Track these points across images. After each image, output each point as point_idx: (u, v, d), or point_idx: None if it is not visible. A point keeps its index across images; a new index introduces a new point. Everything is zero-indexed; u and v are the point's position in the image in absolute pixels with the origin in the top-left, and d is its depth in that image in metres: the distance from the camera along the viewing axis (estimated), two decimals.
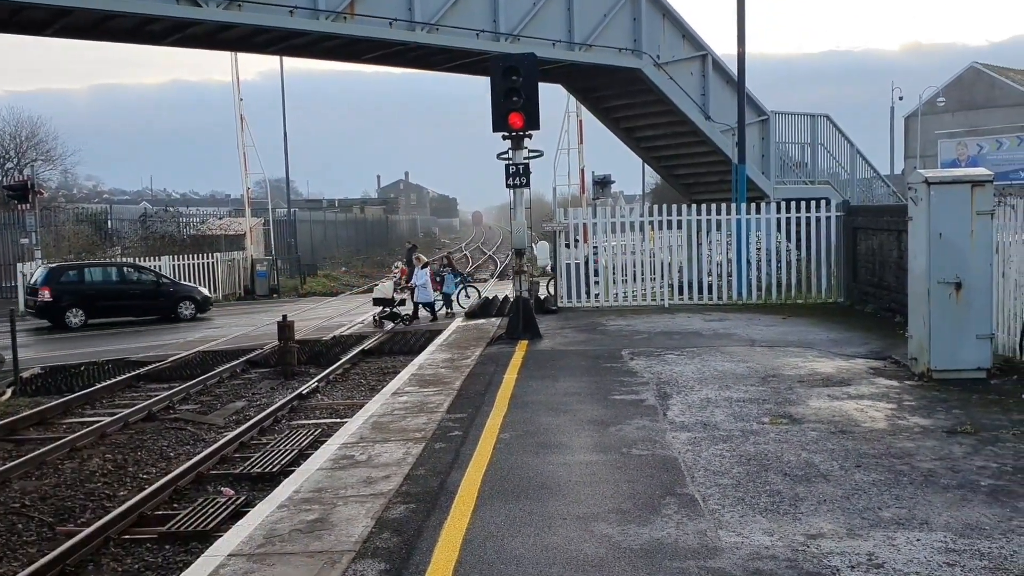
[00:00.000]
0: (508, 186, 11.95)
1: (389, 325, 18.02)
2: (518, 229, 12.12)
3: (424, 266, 18.75)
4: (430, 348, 12.30)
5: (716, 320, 13.63)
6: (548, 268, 27.99)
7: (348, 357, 15.13)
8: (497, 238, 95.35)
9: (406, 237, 72.05)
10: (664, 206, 15.60)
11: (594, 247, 16.19)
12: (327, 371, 13.89)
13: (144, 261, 24.48)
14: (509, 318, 12.74)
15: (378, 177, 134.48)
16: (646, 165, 25.45)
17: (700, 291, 15.69)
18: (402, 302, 18.85)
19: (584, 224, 16.07)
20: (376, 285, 19.19)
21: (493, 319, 15.30)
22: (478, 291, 20.77)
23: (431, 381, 9.35)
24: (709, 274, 15.94)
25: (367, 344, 16.35)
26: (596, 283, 16.37)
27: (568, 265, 15.66)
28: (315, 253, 40.04)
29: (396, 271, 21.92)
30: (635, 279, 16.02)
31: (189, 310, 20.91)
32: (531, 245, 22.01)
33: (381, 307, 18.32)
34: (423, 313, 18.76)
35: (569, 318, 14.47)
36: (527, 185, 11.94)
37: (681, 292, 15.73)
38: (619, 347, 11.02)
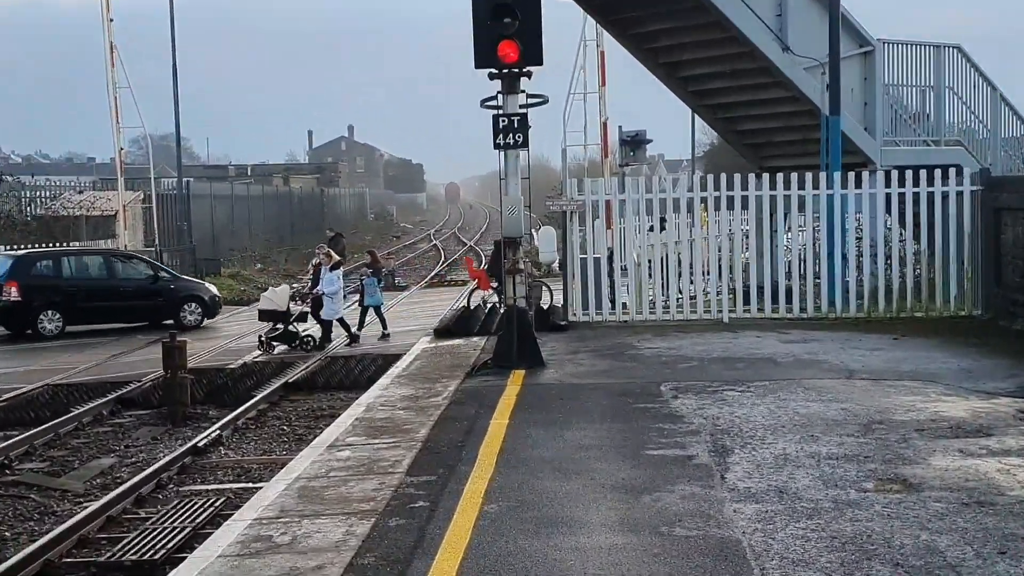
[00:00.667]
0: (497, 146, 12.07)
1: (281, 348, 18.22)
2: (511, 208, 12.27)
3: (335, 266, 18.80)
4: (384, 380, 12.40)
5: (797, 341, 13.74)
6: (555, 266, 27.90)
7: (264, 393, 15.18)
8: (481, 221, 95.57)
9: (349, 218, 72.61)
10: (722, 177, 15.68)
11: (622, 234, 16.36)
12: (234, 413, 13.94)
13: None
14: (498, 337, 12.91)
15: (310, 134, 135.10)
16: (696, 117, 25.55)
17: (774, 299, 15.85)
18: (303, 316, 19.00)
19: (608, 202, 16.23)
20: (267, 291, 19.30)
21: (474, 338, 15.49)
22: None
23: (385, 428, 9.48)
24: (788, 275, 16.09)
25: (292, 375, 16.44)
26: (624, 287, 16.54)
27: (584, 261, 15.85)
28: (218, 243, 40.11)
29: (312, 268, 22.13)
30: (680, 282, 16.22)
31: (194, 314, 22.27)
32: (530, 232, 22.13)
33: (271, 323, 18.49)
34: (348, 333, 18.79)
35: (585, 337, 14.69)
36: (524, 145, 12.06)
37: (747, 301, 15.92)
38: (657, 380, 11.21)
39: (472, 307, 17.49)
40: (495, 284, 19.21)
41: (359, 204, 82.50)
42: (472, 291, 19.52)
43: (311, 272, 21.54)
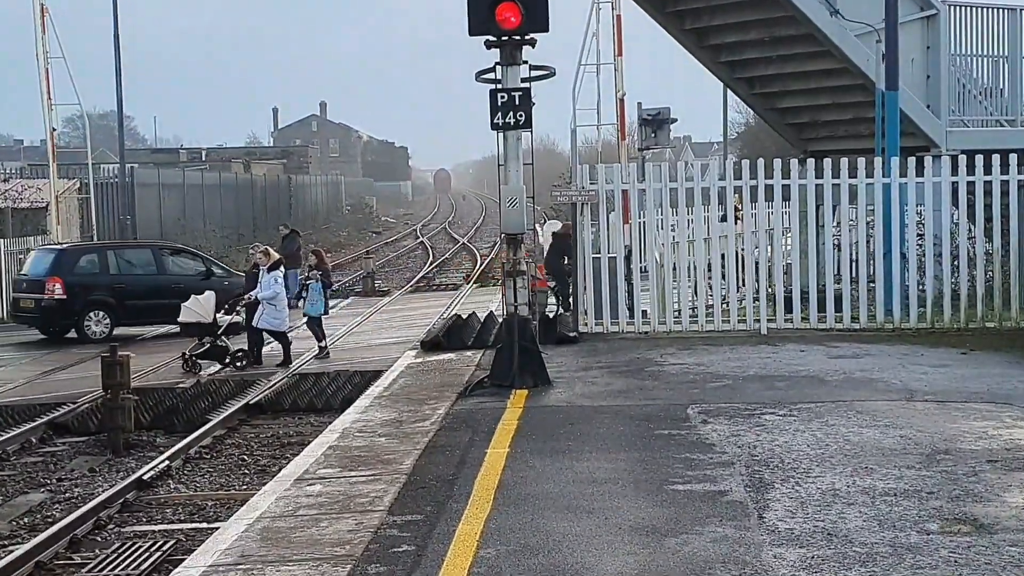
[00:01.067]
0: (495, 127, 12.18)
1: (213, 368, 18.15)
2: (511, 198, 12.36)
3: (274, 267, 18.47)
4: (362, 402, 12.42)
5: (848, 356, 13.79)
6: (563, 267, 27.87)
7: (222, 417, 15.17)
8: (476, 213, 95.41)
9: (321, 211, 72.53)
10: (759, 163, 15.75)
11: (641, 230, 16.40)
12: (186, 441, 13.91)
13: None
14: (496, 351, 13.00)
15: (275, 112, 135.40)
16: (729, 93, 25.53)
17: (821, 306, 15.93)
18: (236, 327, 18.91)
19: (625, 191, 16.40)
20: (189, 299, 19.02)
21: (468, 352, 15.57)
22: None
23: (363, 458, 9.50)
24: (836, 278, 16.14)
25: (255, 394, 16.46)
26: (645, 292, 16.65)
27: (598, 262, 15.97)
28: (167, 240, 40.06)
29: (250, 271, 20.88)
30: (711, 286, 16.31)
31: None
32: (535, 227, 22.17)
33: (197, 336, 18.43)
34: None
35: (599, 351, 14.83)
36: (527, 125, 12.17)
37: (789, 309, 15.99)
38: (683, 401, 11.32)
39: (462, 316, 17.58)
40: (552, 283, 19.36)
41: (333, 194, 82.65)
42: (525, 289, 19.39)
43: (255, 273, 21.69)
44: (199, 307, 18.34)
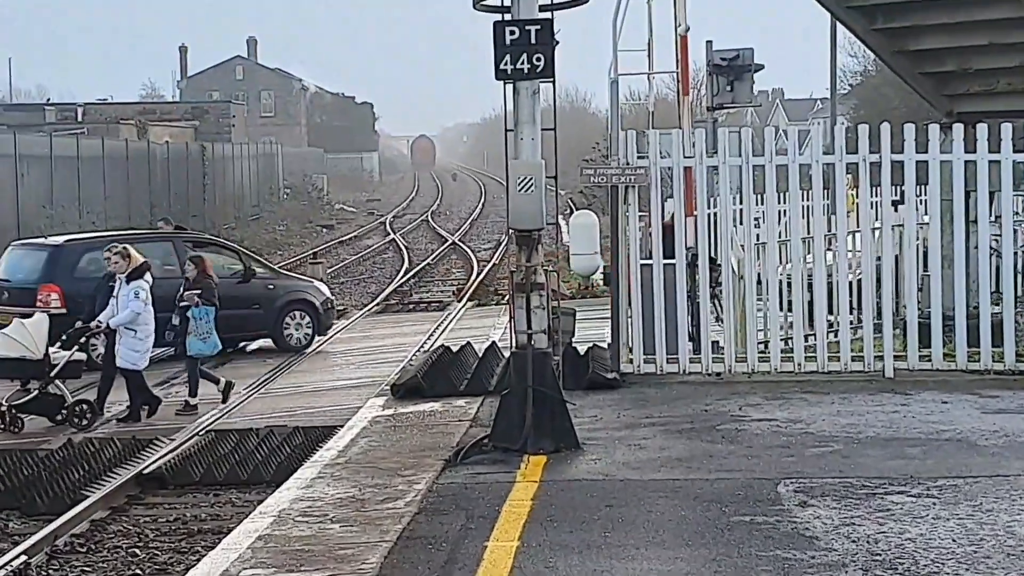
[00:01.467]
0: (501, 76, 12.35)
1: (100, 419, 18.15)
2: (524, 179, 12.44)
3: (135, 275, 18.35)
4: (306, 472, 12.44)
5: (1012, 411, 13.78)
6: (597, 278, 27.64)
7: (104, 492, 15.08)
8: (472, 199, 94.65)
9: (249, 194, 72.03)
10: (884, 129, 15.70)
11: (711, 225, 16.48)
12: (53, 526, 13.82)
13: None
14: (501, 399, 13.12)
15: (182, 52, 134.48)
16: (840, 27, 25.38)
17: (972, 339, 15.82)
18: (75, 368, 18.51)
19: (688, 169, 16.48)
20: (10, 324, 18.78)
21: (460, 401, 15.73)
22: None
23: (308, 555, 9.50)
24: (996, 299, 16.10)
25: (151, 460, 16.42)
26: (716, 318, 16.76)
27: (649, 272, 16.07)
28: (26, 231, 39.78)
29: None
30: (807, 307, 16.26)
31: (303, 329, 25.14)
32: (558, 221, 22.20)
33: (18, 379, 18.14)
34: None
35: (650, 401, 14.93)
36: (548, 74, 12.31)
37: (926, 341, 15.92)
38: (772, 475, 11.36)
39: (451, 349, 17.70)
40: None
41: (266, 170, 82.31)
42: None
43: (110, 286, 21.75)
44: (23, 336, 17.89)
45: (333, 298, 27.12)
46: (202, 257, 20.53)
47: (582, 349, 17.30)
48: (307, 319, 25.09)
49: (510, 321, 13.01)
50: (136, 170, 54.58)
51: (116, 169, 52.06)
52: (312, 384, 21.19)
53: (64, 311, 22.04)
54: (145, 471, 15.96)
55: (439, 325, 27.67)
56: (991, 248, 16.34)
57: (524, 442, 12.27)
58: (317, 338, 25.53)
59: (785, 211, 17.55)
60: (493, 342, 19.91)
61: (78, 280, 22.74)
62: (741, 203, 17.35)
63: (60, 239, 25.59)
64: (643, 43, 27.35)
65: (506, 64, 12.09)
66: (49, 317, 20.24)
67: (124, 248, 18.75)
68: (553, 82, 12.47)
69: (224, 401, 19.09)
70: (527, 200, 12.34)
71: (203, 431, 17.60)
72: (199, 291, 19.29)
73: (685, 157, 16.15)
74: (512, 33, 12.06)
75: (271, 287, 24.93)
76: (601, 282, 27.82)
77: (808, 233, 16.72)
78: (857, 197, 16.96)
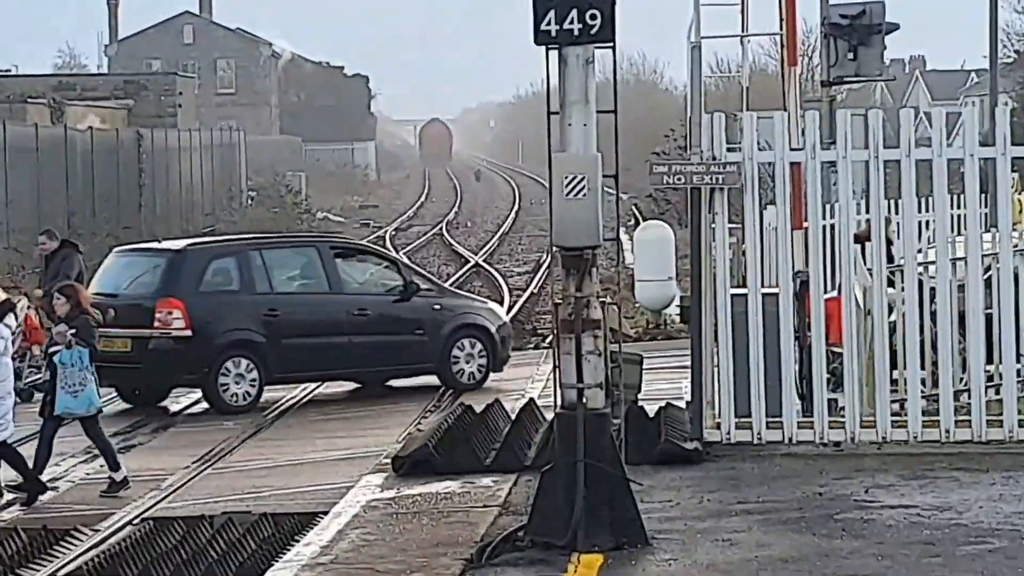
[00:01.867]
0: (542, 39, 12.50)
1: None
2: (573, 178, 12.48)
3: None
4: (279, 575, 12.39)
5: None
6: (673, 311, 27.63)
7: None
8: (502, 204, 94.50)
9: (202, 199, 71.33)
10: None
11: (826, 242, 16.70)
12: None
13: None
14: (542, 477, 13.11)
15: (111, 7, 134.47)
16: None
17: None
18: None
19: (796, 165, 16.71)
20: None
21: (485, 480, 16.03)
22: None
23: None
24: None
25: (71, 558, 16.53)
26: (833, 366, 16.76)
27: (742, 304, 16.23)
28: None
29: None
30: (957, 351, 16.29)
31: (476, 361, 26.56)
32: (618, 237, 22.26)
33: None
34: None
35: (744, 480, 15.14)
36: (605, 36, 12.44)
37: None
38: None
39: (483, 407, 18.30)
40: None
41: (224, 166, 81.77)
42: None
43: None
44: None
45: (508, 322, 28.14)
46: (75, 287, 21.08)
47: (651, 409, 17.59)
48: (480, 349, 26.27)
49: (554, 371, 13.11)
50: (48, 165, 54.27)
51: (22, 164, 51.81)
52: (287, 455, 21.31)
53: (189, 333, 23.83)
54: (58, 575, 15.85)
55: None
56: None
57: (573, 536, 12.22)
58: (477, 375, 26.50)
59: (928, 222, 17.45)
60: (531, 399, 20.35)
61: (204, 295, 24.57)
62: (867, 211, 17.36)
63: (180, 243, 27.11)
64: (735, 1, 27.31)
65: (549, 23, 12.22)
66: (171, 340, 22.72)
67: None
68: (613, 48, 12.65)
69: (110, 494, 18.85)
70: (577, 207, 12.41)
71: (138, 519, 17.39)
72: (73, 330, 19.53)
73: (792, 149, 16.40)
74: None
75: (437, 307, 26.08)
76: (677, 318, 27.73)
77: (959, 252, 16.65)
78: None
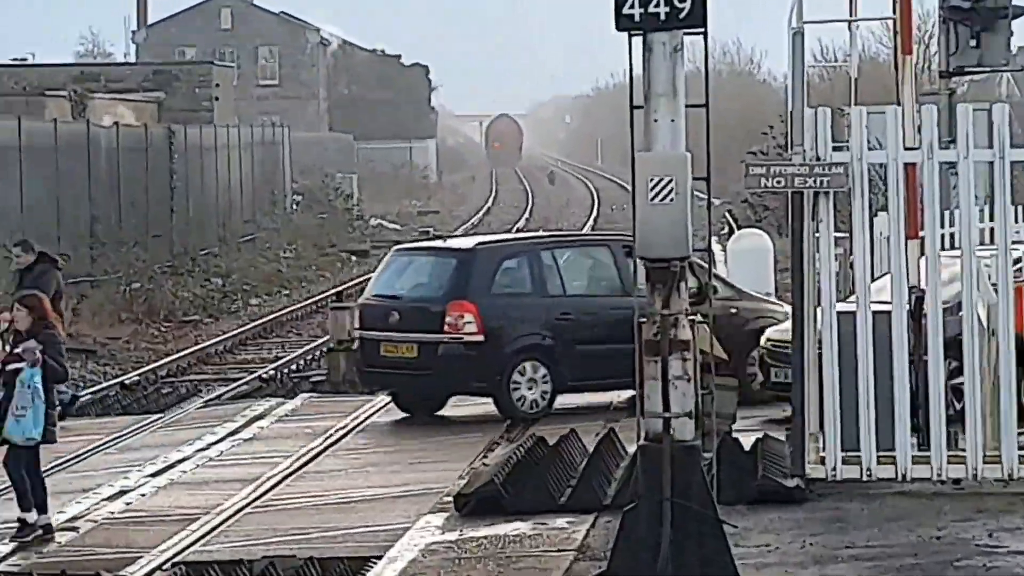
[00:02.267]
0: (625, 23, 12.55)
1: None
2: (658, 181, 12.43)
3: None
4: None
5: None
6: (773, 333, 26.91)
7: None
8: (579, 210, 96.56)
9: (242, 203, 71.76)
10: None
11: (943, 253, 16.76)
12: None
13: None
14: (624, 517, 13.11)
15: None
16: None
17: None
18: None
19: (911, 166, 16.61)
20: None
21: (560, 521, 15.98)
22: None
23: None
24: None
25: None
26: (956, 398, 16.84)
27: (849, 323, 16.12)
28: None
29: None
30: None
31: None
32: (710, 247, 22.36)
33: None
34: None
35: (850, 521, 15.08)
36: (694, 23, 12.46)
37: None
38: None
39: (557, 439, 18.44)
40: None
41: (265, 167, 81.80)
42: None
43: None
44: None
45: None
46: (38, 296, 20.62)
47: (747, 442, 17.51)
48: None
49: (637, 397, 12.98)
50: (70, 165, 53.66)
51: (39, 163, 51.11)
52: (335, 492, 20.84)
53: (482, 338, 24.72)
54: None
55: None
56: None
57: None
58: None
59: None
60: (611, 429, 20.20)
61: (496, 297, 25.50)
62: (991, 219, 16.89)
63: (468, 241, 28.80)
64: None
65: (632, 6, 12.25)
66: (462, 345, 24.33)
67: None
68: (704, 34, 12.56)
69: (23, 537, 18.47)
70: (664, 213, 12.35)
71: (168, 564, 17.11)
72: (40, 346, 19.19)
73: (906, 149, 16.30)
74: None
75: (733, 311, 25.71)
76: (774, 337, 28.02)
77: None
78: None
